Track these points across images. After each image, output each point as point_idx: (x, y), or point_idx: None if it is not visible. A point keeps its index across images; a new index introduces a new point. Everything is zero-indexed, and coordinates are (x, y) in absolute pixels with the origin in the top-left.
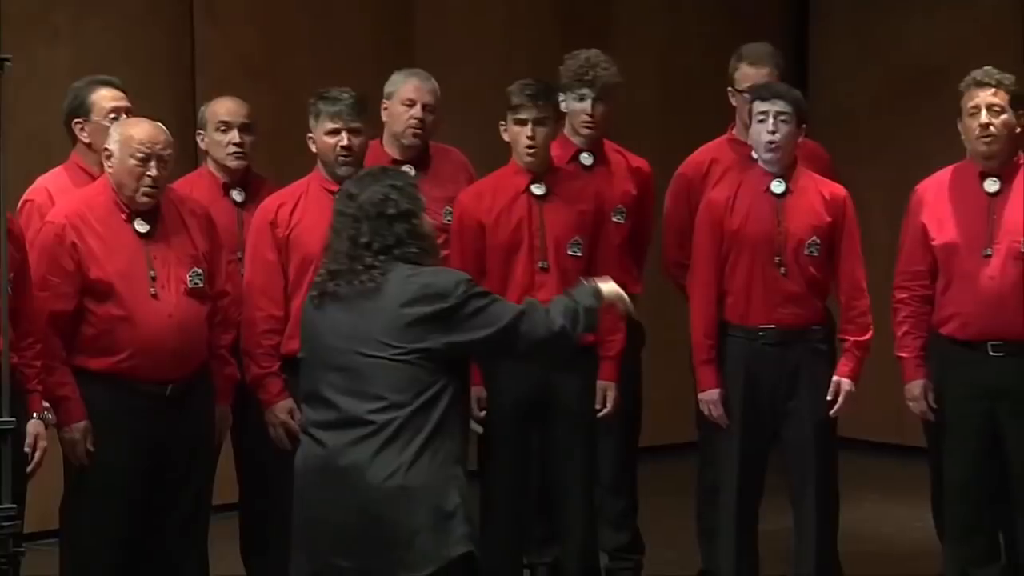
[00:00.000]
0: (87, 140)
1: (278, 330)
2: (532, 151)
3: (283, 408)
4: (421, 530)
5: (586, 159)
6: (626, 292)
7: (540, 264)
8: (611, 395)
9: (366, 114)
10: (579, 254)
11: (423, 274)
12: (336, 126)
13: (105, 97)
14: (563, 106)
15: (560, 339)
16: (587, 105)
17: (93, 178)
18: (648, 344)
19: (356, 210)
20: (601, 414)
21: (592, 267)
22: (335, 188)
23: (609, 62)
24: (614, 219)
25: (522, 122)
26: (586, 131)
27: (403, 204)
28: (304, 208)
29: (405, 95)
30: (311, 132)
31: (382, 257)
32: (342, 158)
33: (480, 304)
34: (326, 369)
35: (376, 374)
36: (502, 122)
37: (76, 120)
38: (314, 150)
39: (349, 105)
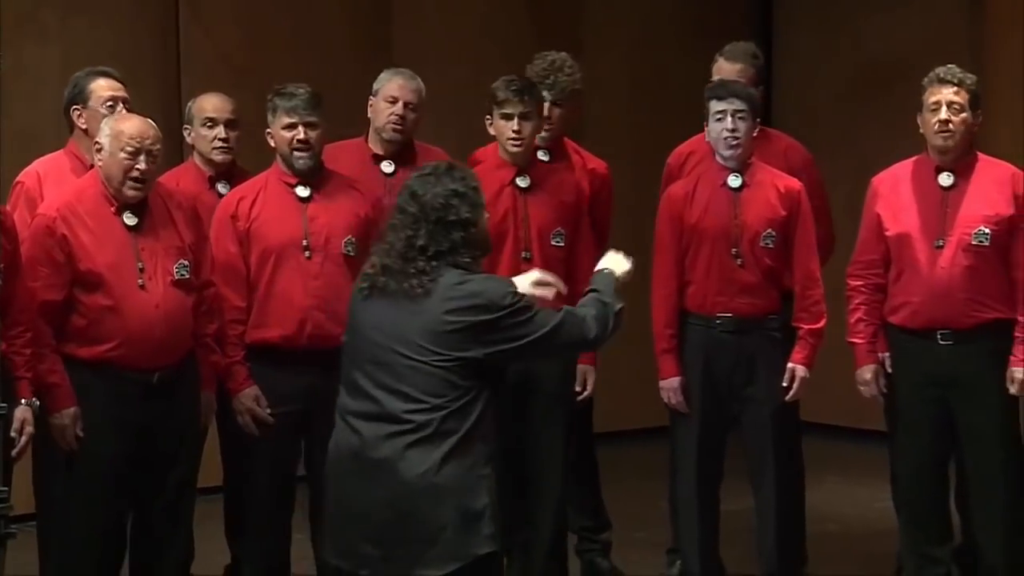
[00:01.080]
0: (84, 126)
1: (242, 320)
2: (518, 144)
3: (249, 396)
4: (448, 528)
5: (543, 156)
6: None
7: (524, 254)
8: (591, 378)
9: (321, 109)
10: (561, 244)
11: (471, 282)
12: (292, 120)
13: (103, 86)
14: None
15: (592, 346)
16: (545, 107)
17: (86, 165)
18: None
19: (417, 210)
20: (581, 396)
21: (573, 257)
22: (293, 181)
23: (573, 67)
24: None
25: (508, 116)
26: (544, 132)
27: (463, 212)
28: (264, 201)
29: (388, 92)
30: (269, 128)
31: (434, 263)
32: (298, 151)
33: (523, 318)
34: (365, 361)
35: (412, 376)
36: (488, 116)
37: (75, 107)
38: (273, 144)
39: (305, 100)
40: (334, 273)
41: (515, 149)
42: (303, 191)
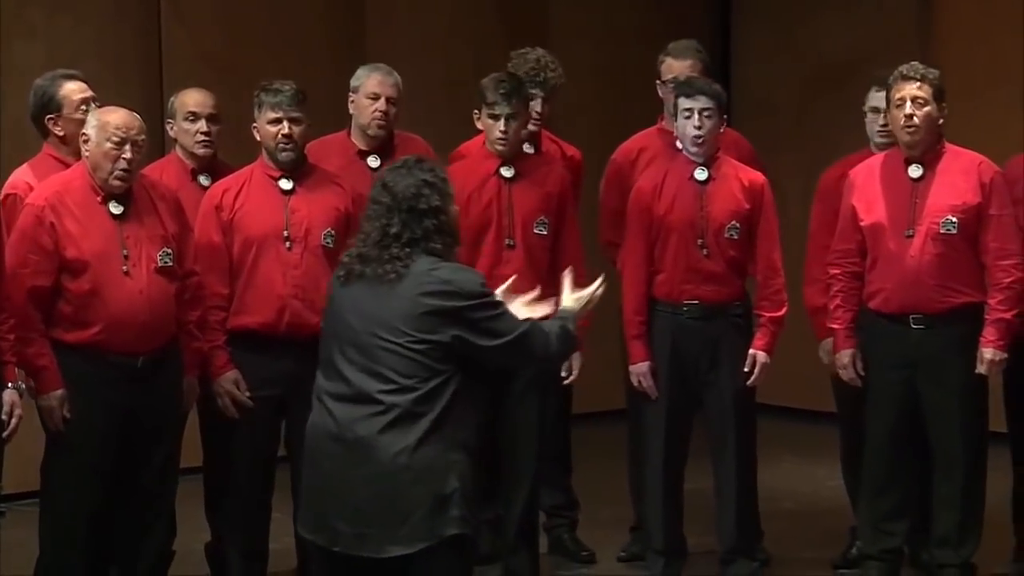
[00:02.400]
0: (61, 133)
1: (223, 306)
2: (504, 143)
3: (228, 379)
4: (418, 508)
5: (528, 148)
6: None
7: (507, 242)
8: (576, 364)
9: (305, 105)
10: (544, 232)
11: (444, 269)
12: (277, 115)
13: (74, 91)
14: None
15: (553, 361)
16: (536, 104)
17: (69, 166)
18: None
19: (391, 200)
20: (567, 381)
21: (557, 245)
22: (277, 174)
23: (556, 63)
24: None
25: (495, 117)
26: (532, 127)
27: (434, 200)
28: (248, 193)
29: (370, 89)
30: (255, 122)
31: (408, 249)
32: (282, 145)
33: (491, 313)
34: (342, 343)
35: (388, 357)
36: (476, 111)
37: (49, 116)
38: (258, 139)
39: (289, 96)
40: (313, 264)
41: (501, 147)
42: (286, 184)
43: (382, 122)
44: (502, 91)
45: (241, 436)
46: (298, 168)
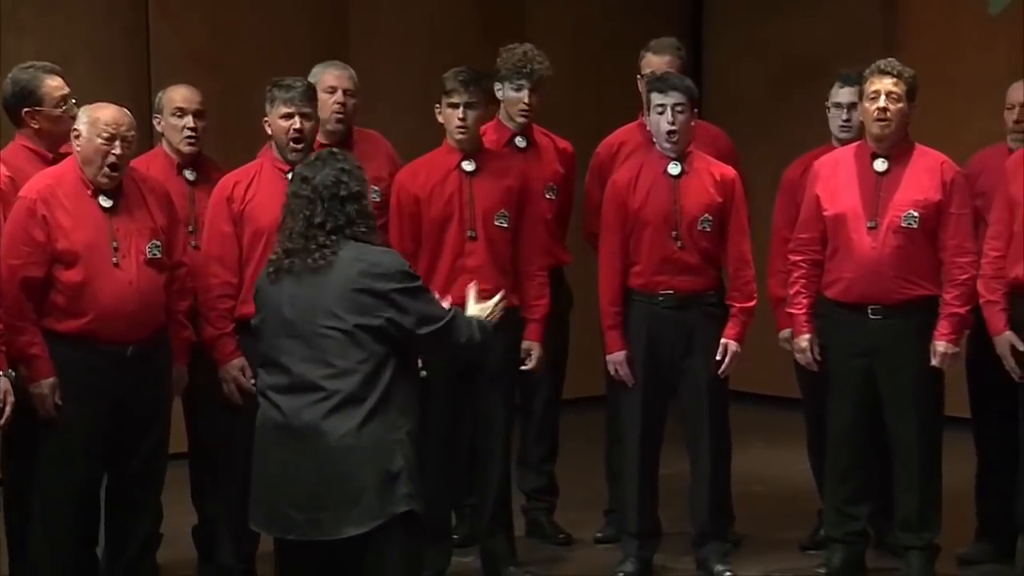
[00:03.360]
0: (36, 127)
1: (232, 295)
2: (463, 131)
3: (235, 366)
4: (368, 488)
5: (520, 142)
6: (558, 261)
7: (469, 233)
8: (535, 353)
9: (316, 101)
10: (505, 225)
11: (371, 253)
12: (290, 111)
13: (55, 88)
14: (500, 94)
15: (476, 349)
16: (524, 95)
17: (44, 158)
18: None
19: (311, 192)
20: (525, 368)
21: (518, 237)
22: (287, 168)
23: (543, 56)
24: (547, 196)
25: (455, 105)
26: (522, 118)
27: (353, 186)
28: (258, 186)
29: (326, 83)
30: (266, 116)
31: (334, 236)
32: (294, 140)
33: (419, 295)
34: (281, 338)
35: (327, 344)
36: (437, 105)
37: (27, 109)
38: (269, 132)
39: (302, 92)
40: None
41: (461, 136)
42: None
43: (340, 115)
44: (460, 79)
45: (244, 420)
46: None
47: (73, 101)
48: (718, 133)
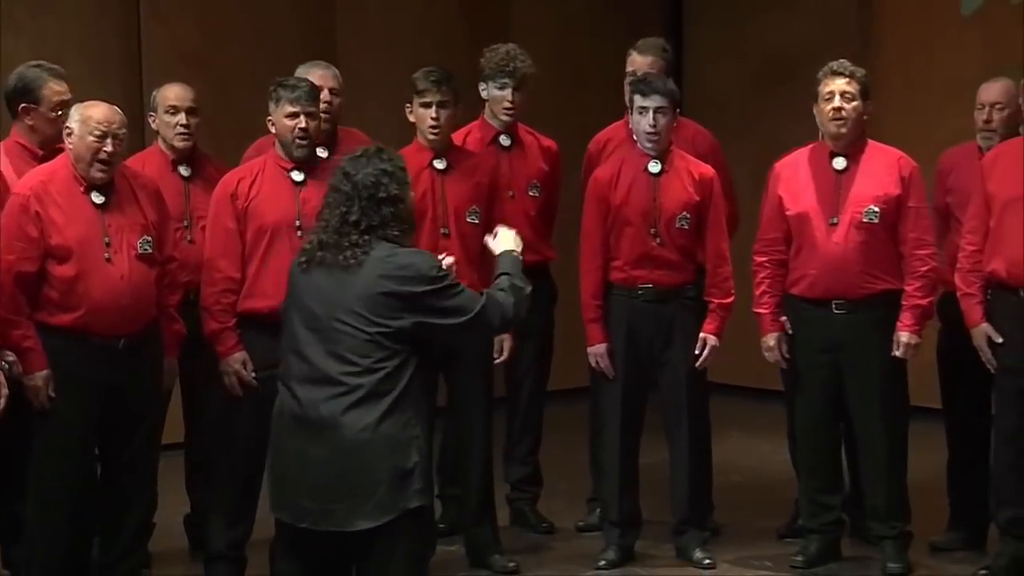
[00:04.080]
0: (30, 123)
1: (235, 290)
2: (436, 130)
3: (236, 359)
4: (382, 483)
5: (504, 140)
6: (543, 257)
7: (442, 231)
8: (507, 345)
9: (319, 100)
10: (476, 221)
11: (401, 255)
12: (295, 110)
13: (55, 91)
14: (484, 93)
15: (511, 325)
16: (508, 93)
17: (35, 154)
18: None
19: (350, 189)
20: (498, 361)
21: (489, 232)
22: (289, 166)
23: (526, 55)
24: (530, 193)
25: (427, 105)
26: (506, 117)
27: (392, 189)
28: (261, 183)
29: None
30: (271, 115)
31: (367, 236)
32: (299, 139)
33: (449, 293)
34: (306, 328)
35: (349, 341)
36: (408, 104)
37: (24, 104)
38: (272, 131)
39: (307, 92)
40: None
41: (433, 136)
42: (298, 175)
43: (326, 114)
44: (432, 79)
45: (243, 412)
46: (309, 160)
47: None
48: (699, 131)
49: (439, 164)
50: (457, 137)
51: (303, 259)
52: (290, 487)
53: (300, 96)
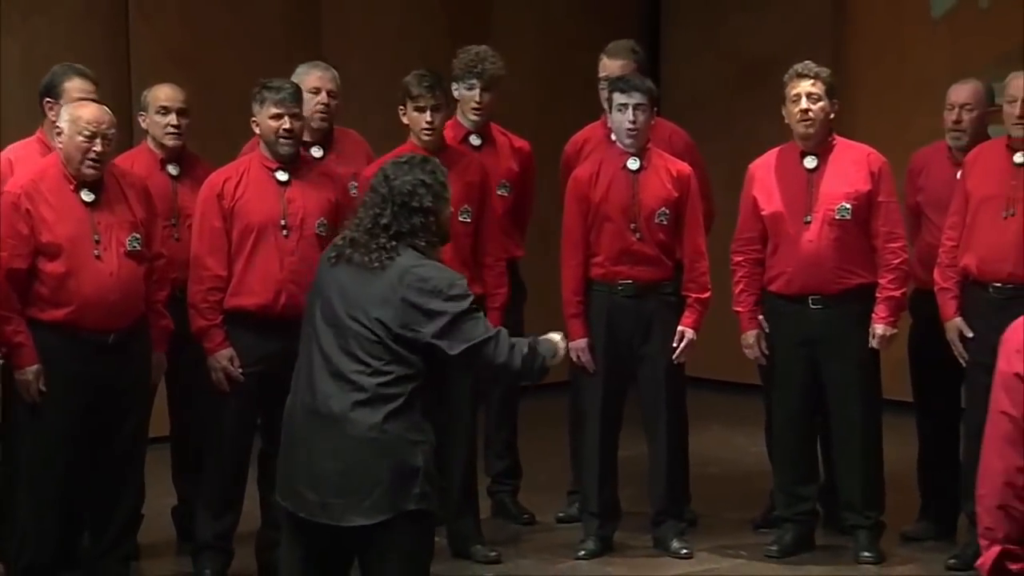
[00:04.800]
0: (53, 118)
1: (222, 288)
2: (430, 133)
3: (224, 356)
4: (381, 483)
5: (475, 140)
6: (510, 256)
7: None
8: None
9: (302, 101)
10: (468, 220)
11: (426, 267)
12: (280, 111)
13: (76, 87)
14: (455, 94)
15: (511, 376)
16: (476, 94)
17: (52, 151)
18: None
19: (387, 192)
20: None
21: (479, 231)
22: (274, 166)
23: (496, 56)
24: (499, 192)
25: (421, 109)
26: (475, 116)
27: (427, 201)
28: (247, 183)
29: (310, 84)
30: (255, 116)
31: (395, 242)
32: (283, 139)
33: (465, 313)
34: (325, 321)
35: (362, 341)
36: (401, 107)
37: (48, 99)
38: (257, 132)
39: (291, 93)
40: (308, 250)
41: (427, 138)
42: (282, 176)
43: (324, 114)
44: (425, 84)
45: (229, 407)
46: (294, 161)
47: None
48: (675, 131)
49: None
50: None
51: (332, 254)
52: (295, 476)
53: (284, 98)
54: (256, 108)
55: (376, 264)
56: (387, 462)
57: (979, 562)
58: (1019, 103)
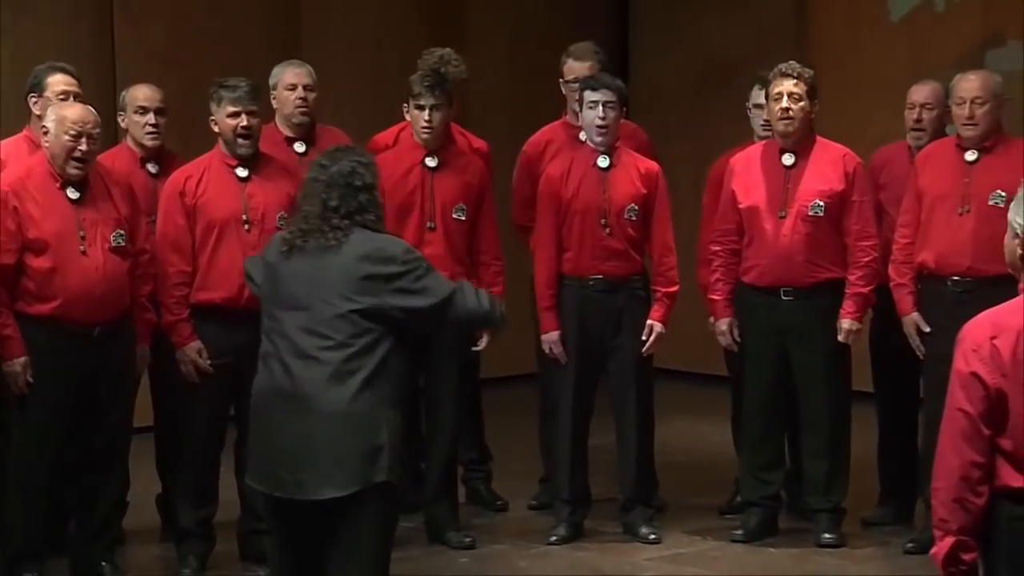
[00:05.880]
0: (38, 113)
1: (187, 283)
2: (428, 131)
3: (192, 349)
4: (352, 456)
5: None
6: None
7: (428, 225)
8: (486, 336)
9: (260, 99)
10: (463, 218)
11: (378, 239)
12: (236, 109)
13: (58, 81)
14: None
15: (484, 318)
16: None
17: (40, 147)
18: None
19: (328, 178)
20: (476, 347)
21: (476, 230)
22: (233, 163)
23: (459, 60)
24: None
25: (421, 107)
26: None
27: (367, 178)
28: (208, 180)
29: (287, 81)
30: (213, 116)
31: (346, 221)
32: (241, 137)
33: (422, 273)
34: (286, 309)
35: (329, 319)
36: (404, 104)
37: (32, 95)
38: (216, 131)
39: (246, 92)
40: None
41: (426, 135)
42: (242, 172)
43: (304, 108)
44: (427, 84)
45: (201, 398)
46: (253, 158)
47: (74, 100)
48: (636, 129)
49: (431, 162)
50: (391, 133)
51: (284, 248)
52: (267, 457)
53: (240, 96)
54: (213, 107)
55: (333, 242)
56: (356, 436)
57: (933, 552)
58: (967, 104)
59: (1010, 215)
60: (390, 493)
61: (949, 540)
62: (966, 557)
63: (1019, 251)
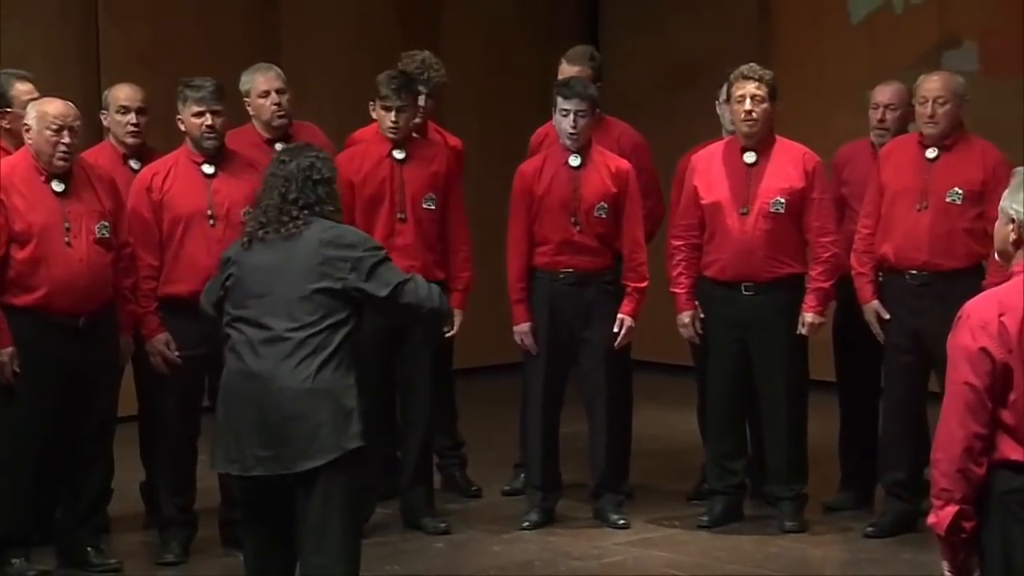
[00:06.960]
0: (8, 126)
1: (155, 276)
2: (395, 131)
3: (160, 340)
4: (324, 425)
5: (415, 136)
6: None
7: (399, 215)
8: (458, 319)
9: (225, 99)
10: (432, 207)
11: (339, 227)
12: (201, 109)
13: (23, 91)
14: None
15: (430, 313)
16: (420, 99)
17: (10, 154)
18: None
19: (287, 172)
20: (449, 334)
21: (444, 218)
22: (200, 159)
23: (440, 64)
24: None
25: (387, 108)
26: (418, 119)
27: (325, 172)
28: (174, 177)
29: (260, 88)
30: (180, 115)
31: (306, 212)
32: (207, 135)
33: (380, 259)
34: (249, 297)
35: (292, 302)
36: (371, 102)
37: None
38: (183, 129)
39: (211, 92)
40: (234, 238)
41: (392, 135)
42: (208, 169)
43: (281, 112)
44: (393, 86)
45: (173, 389)
46: (219, 155)
47: None
48: (624, 130)
49: (398, 154)
50: (371, 130)
51: (245, 240)
52: (242, 440)
53: (205, 96)
54: (180, 107)
55: (293, 230)
56: (326, 407)
57: (933, 521)
58: (929, 103)
59: (1003, 202)
60: (361, 458)
61: (952, 509)
62: (967, 525)
63: (1012, 237)
